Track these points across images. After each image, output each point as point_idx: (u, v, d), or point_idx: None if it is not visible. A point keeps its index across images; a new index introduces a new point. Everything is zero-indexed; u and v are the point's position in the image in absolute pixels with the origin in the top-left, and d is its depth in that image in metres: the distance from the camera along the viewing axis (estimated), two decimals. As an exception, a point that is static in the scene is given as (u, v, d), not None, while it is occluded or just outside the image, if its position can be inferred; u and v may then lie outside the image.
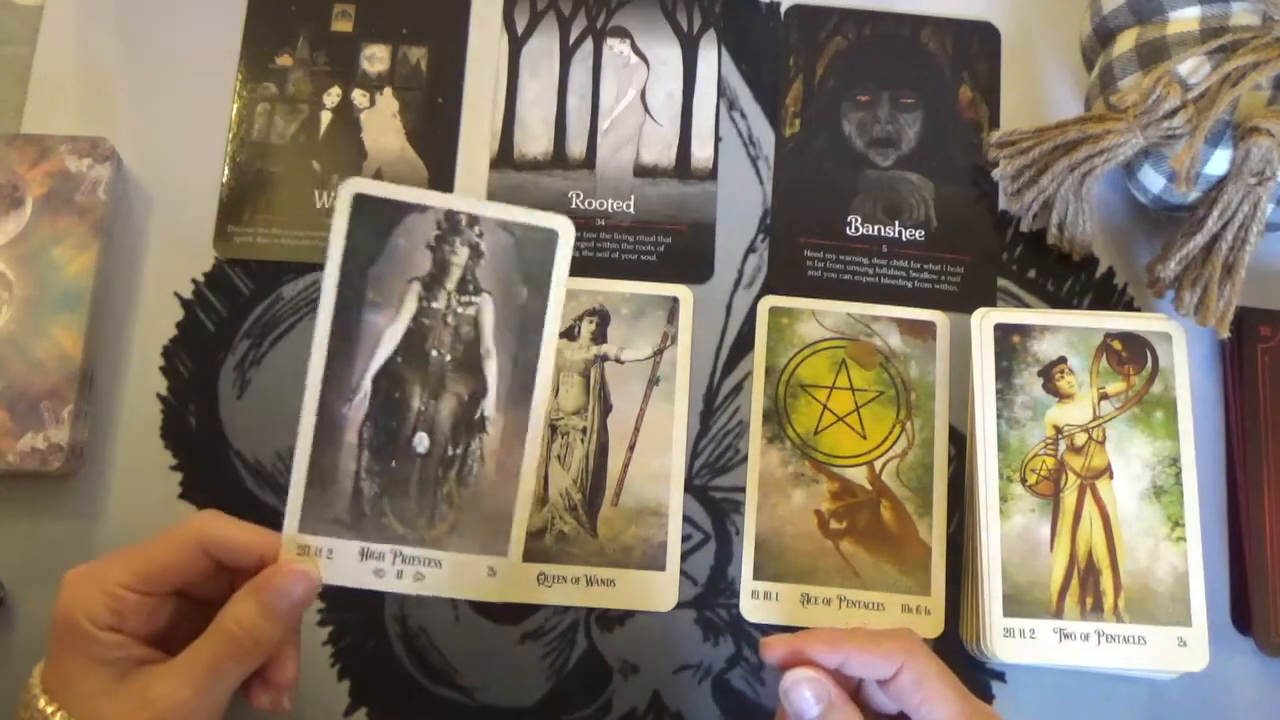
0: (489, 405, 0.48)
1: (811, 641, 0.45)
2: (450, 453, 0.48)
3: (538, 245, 0.48)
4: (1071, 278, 0.62)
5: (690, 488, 0.58)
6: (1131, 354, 0.57)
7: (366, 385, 0.47)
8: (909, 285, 0.61)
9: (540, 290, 0.48)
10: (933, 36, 0.65)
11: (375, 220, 0.47)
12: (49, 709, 0.42)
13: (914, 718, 0.45)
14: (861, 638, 0.45)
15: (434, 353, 0.48)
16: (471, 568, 0.48)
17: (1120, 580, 0.54)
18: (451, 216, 0.48)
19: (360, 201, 0.47)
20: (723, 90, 0.64)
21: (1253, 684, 0.57)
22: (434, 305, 0.48)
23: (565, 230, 0.49)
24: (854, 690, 0.47)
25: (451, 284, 0.48)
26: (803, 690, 0.44)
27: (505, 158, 0.63)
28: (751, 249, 0.62)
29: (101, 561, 0.44)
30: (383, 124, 0.63)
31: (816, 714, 0.44)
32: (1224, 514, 0.59)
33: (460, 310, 0.48)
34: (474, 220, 0.48)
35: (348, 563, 0.47)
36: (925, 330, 0.60)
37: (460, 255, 0.48)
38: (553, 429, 0.58)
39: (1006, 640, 0.53)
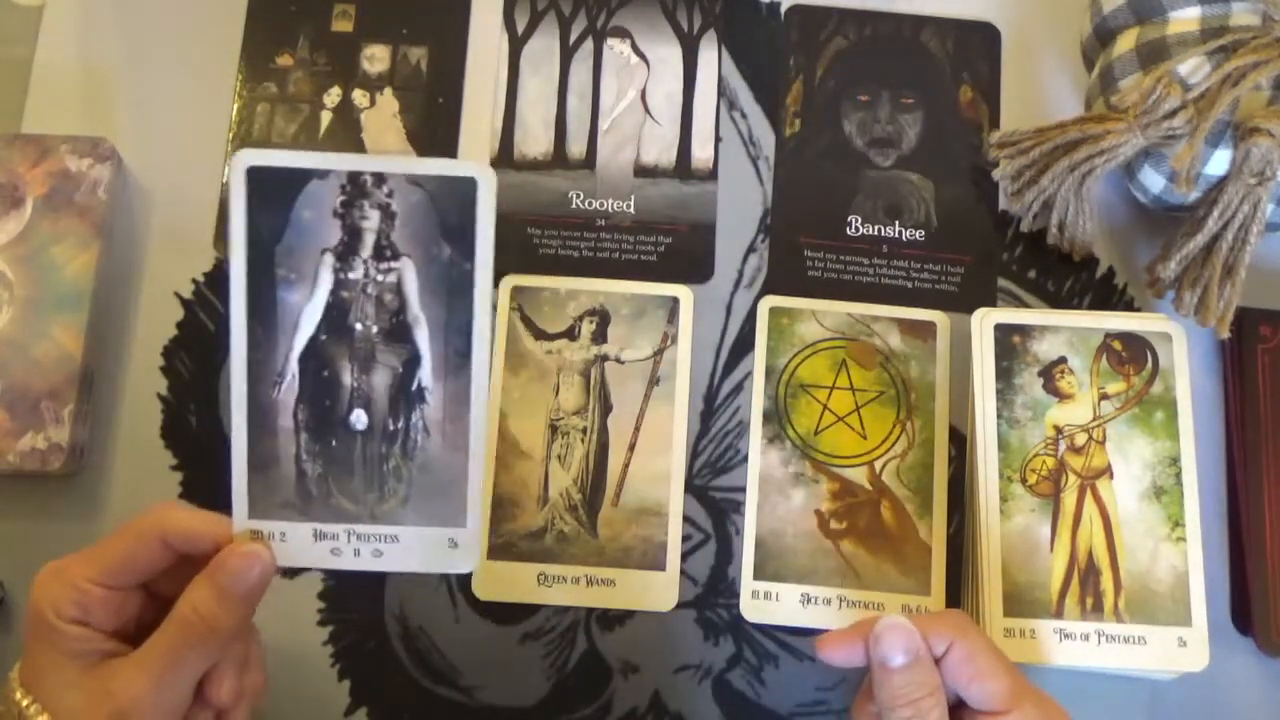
0: (425, 374, 0.45)
1: (864, 628, 0.46)
2: (391, 427, 0.46)
3: (455, 198, 0.45)
4: (1071, 278, 0.62)
5: (690, 488, 0.58)
6: (1132, 354, 0.57)
7: (293, 367, 0.45)
8: (909, 285, 0.61)
9: (465, 246, 0.45)
10: (933, 36, 0.65)
11: (275, 193, 0.44)
12: (24, 701, 0.43)
13: (964, 695, 0.45)
14: (913, 620, 0.46)
15: (358, 325, 0.45)
16: (431, 540, 0.46)
17: (1120, 580, 0.54)
18: (355, 178, 0.44)
19: (256, 175, 0.44)
20: (723, 90, 0.64)
21: (1253, 684, 0.57)
22: (351, 276, 0.45)
23: (484, 176, 0.44)
24: None
25: (367, 251, 0.45)
26: (895, 637, 0.45)
27: (505, 158, 0.63)
28: (751, 249, 0.62)
29: (69, 558, 0.44)
30: (383, 124, 0.62)
31: (902, 663, 0.45)
32: (1224, 514, 0.59)
33: (380, 278, 0.45)
34: (381, 179, 0.44)
35: (302, 544, 0.46)
36: (925, 330, 0.60)
37: (371, 219, 0.44)
38: (553, 429, 0.58)
39: (1006, 640, 0.53)
